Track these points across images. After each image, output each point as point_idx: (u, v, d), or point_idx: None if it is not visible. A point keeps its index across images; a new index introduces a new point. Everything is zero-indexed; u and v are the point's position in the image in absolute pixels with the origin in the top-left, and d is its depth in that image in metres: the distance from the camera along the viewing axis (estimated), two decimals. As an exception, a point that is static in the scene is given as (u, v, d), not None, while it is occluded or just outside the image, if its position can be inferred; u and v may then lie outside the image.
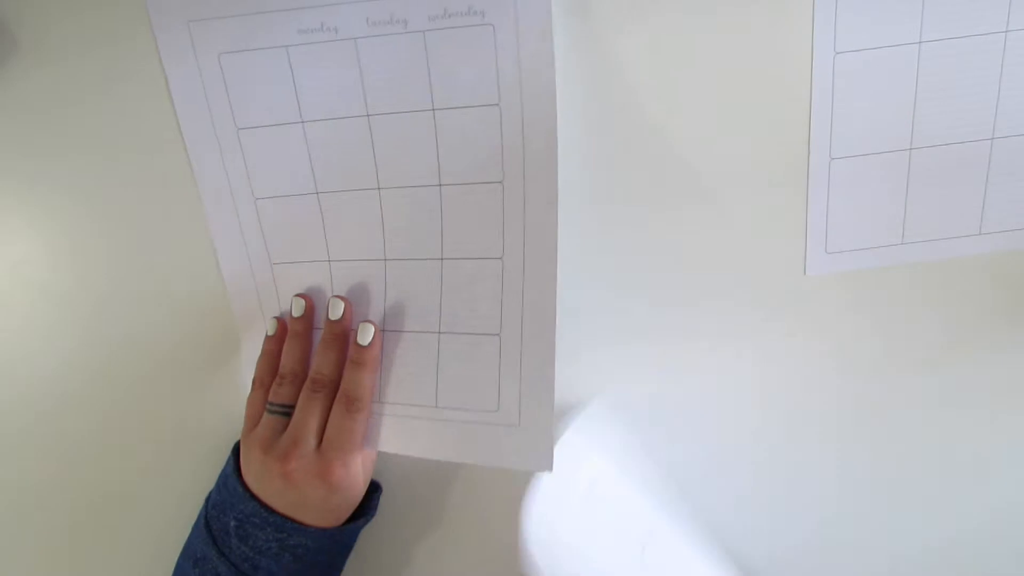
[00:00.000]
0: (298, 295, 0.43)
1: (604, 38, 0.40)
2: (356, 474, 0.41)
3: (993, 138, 0.41)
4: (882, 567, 0.49)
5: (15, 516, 0.48)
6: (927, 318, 0.44)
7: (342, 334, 0.42)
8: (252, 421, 0.43)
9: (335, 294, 0.43)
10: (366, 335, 0.41)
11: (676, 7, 0.39)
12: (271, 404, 0.42)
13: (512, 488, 0.47)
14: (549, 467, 0.40)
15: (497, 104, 0.39)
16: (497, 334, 0.41)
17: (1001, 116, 0.41)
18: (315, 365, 0.42)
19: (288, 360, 0.42)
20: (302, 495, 0.40)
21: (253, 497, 0.40)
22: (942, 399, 0.46)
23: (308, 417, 0.40)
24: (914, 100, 0.41)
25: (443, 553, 0.48)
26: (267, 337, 0.44)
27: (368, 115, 0.40)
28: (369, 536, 0.45)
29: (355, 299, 0.43)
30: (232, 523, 0.40)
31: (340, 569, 0.44)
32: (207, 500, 0.43)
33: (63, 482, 0.48)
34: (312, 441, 0.40)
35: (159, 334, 0.45)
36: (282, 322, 0.44)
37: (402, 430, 0.43)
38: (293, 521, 0.40)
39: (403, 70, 0.39)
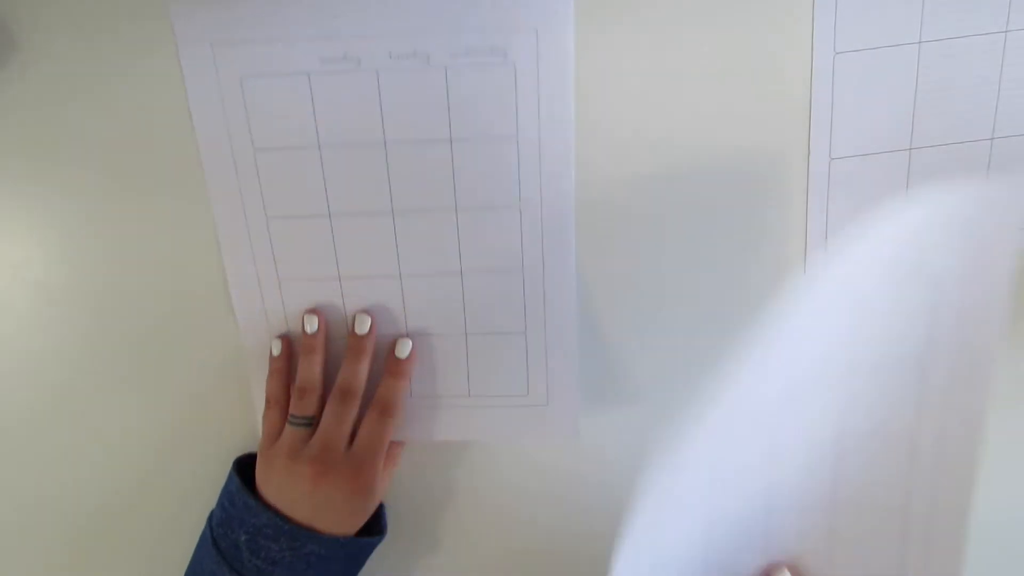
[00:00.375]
0: (309, 311, 0.44)
1: (602, 41, 0.40)
2: (382, 479, 0.43)
3: (993, 138, 0.41)
4: (883, 566, 0.49)
5: (14, 516, 0.49)
6: (927, 317, 0.44)
7: (369, 347, 0.43)
8: (270, 437, 0.43)
9: (361, 309, 0.44)
10: (404, 349, 0.43)
11: (676, 8, 0.39)
12: (294, 416, 0.43)
13: (512, 503, 0.47)
14: (575, 435, 0.45)
15: (515, 136, 0.41)
16: (523, 332, 0.44)
17: (1001, 116, 0.41)
18: (343, 376, 0.43)
19: (307, 374, 0.43)
20: (328, 499, 0.41)
21: (268, 508, 0.41)
22: (942, 399, 0.46)
23: (339, 424, 0.42)
24: (914, 100, 0.41)
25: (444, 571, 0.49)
26: (273, 357, 0.44)
27: (385, 142, 0.41)
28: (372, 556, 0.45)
29: (375, 312, 0.44)
30: (243, 537, 0.41)
31: None
32: (209, 519, 0.44)
33: (62, 483, 0.48)
34: (343, 446, 0.42)
35: (161, 336, 0.45)
36: (286, 340, 0.45)
37: (435, 418, 0.46)
38: (308, 529, 0.40)
39: (423, 102, 0.40)
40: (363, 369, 0.43)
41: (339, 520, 0.41)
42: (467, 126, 0.41)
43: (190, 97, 0.41)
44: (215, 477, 0.46)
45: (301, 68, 0.40)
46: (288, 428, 0.43)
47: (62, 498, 0.48)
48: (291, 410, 0.43)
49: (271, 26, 0.39)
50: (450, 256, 0.43)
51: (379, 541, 0.44)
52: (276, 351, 0.44)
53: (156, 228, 0.43)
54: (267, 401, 0.44)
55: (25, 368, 0.46)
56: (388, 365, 0.44)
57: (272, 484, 0.42)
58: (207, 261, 0.44)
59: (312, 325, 0.43)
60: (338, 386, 0.43)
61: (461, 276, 0.43)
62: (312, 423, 0.43)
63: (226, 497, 0.43)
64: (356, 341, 0.43)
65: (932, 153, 0.42)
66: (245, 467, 0.44)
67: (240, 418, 0.46)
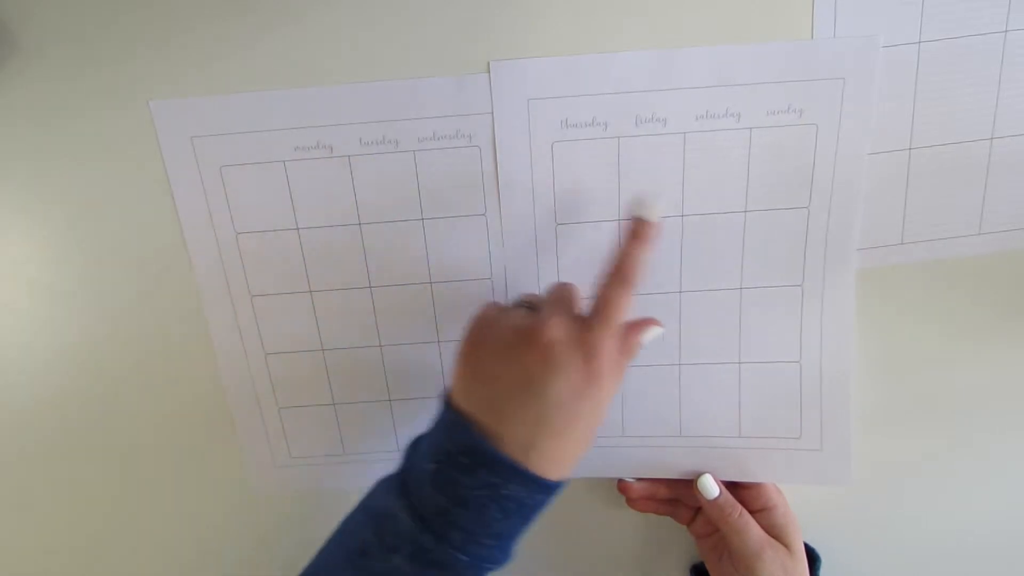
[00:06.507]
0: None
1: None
2: (621, 368, 0.35)
3: (993, 138, 0.41)
4: (882, 568, 0.49)
5: (13, 514, 0.49)
6: (927, 318, 0.44)
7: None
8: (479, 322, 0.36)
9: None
10: (653, 211, 0.36)
11: (675, 9, 0.39)
12: (517, 302, 0.38)
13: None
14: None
15: (483, 214, 0.42)
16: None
17: (1001, 116, 0.41)
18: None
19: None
20: (557, 383, 0.32)
21: (466, 422, 0.33)
22: (941, 399, 0.46)
23: (567, 294, 0.37)
24: (914, 100, 0.41)
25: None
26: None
27: (360, 224, 0.42)
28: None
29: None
30: (430, 466, 0.33)
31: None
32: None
33: (63, 480, 0.48)
34: (574, 313, 0.35)
35: (159, 334, 0.45)
36: None
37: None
38: (515, 464, 0.32)
39: (394, 185, 0.42)
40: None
41: (560, 431, 0.32)
42: (437, 205, 0.42)
43: (172, 186, 0.42)
44: (216, 461, 0.47)
45: (276, 156, 0.41)
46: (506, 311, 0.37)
47: (63, 483, 0.48)
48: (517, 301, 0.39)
49: (247, 119, 0.41)
50: (427, 324, 0.44)
51: (560, 489, 0.34)
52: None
53: (155, 220, 0.43)
54: None
55: (24, 367, 0.46)
56: (633, 227, 0.36)
57: (469, 370, 0.34)
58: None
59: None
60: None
61: (438, 345, 0.45)
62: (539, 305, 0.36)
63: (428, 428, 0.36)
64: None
65: (932, 153, 0.41)
66: None
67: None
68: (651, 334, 0.38)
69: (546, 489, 0.33)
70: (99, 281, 0.44)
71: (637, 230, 0.36)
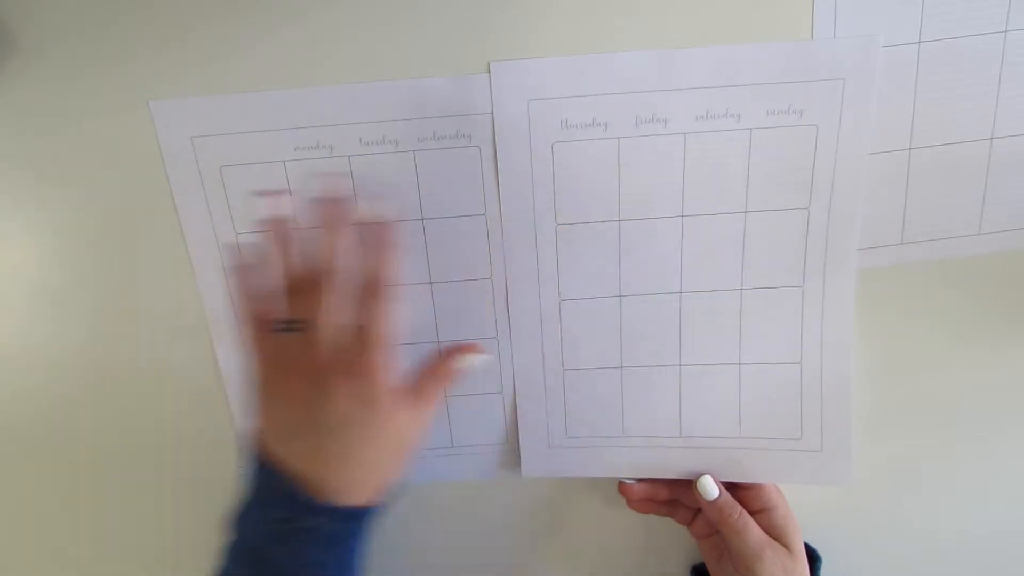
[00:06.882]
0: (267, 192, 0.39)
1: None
2: (407, 388, 0.35)
3: (993, 138, 0.41)
4: (882, 568, 0.49)
5: (13, 514, 0.49)
6: (927, 318, 0.44)
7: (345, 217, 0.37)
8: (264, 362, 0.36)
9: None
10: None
11: (675, 9, 0.39)
12: (280, 323, 0.36)
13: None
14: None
15: (483, 214, 0.42)
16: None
17: (1001, 116, 0.41)
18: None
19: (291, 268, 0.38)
20: (326, 412, 0.32)
21: (256, 457, 0.33)
22: (941, 399, 0.46)
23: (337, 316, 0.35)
24: (914, 100, 0.41)
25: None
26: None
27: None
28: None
29: None
30: (240, 504, 0.34)
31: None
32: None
33: (61, 481, 0.48)
34: (339, 328, 0.34)
35: (158, 334, 0.45)
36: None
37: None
38: (301, 495, 0.31)
39: (394, 184, 0.42)
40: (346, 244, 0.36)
41: (352, 462, 0.32)
42: (437, 205, 0.42)
43: (172, 186, 0.42)
44: (215, 460, 0.47)
45: (276, 156, 0.41)
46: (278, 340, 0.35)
47: (61, 485, 0.48)
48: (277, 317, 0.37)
49: (247, 119, 0.41)
50: (426, 324, 0.44)
51: (374, 514, 0.34)
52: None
53: (155, 220, 0.43)
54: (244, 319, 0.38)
55: (24, 361, 0.46)
56: (371, 236, 0.37)
57: (264, 413, 0.33)
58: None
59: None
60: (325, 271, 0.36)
61: (438, 346, 0.44)
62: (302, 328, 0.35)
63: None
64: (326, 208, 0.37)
65: (932, 153, 0.41)
66: None
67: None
68: (469, 361, 0.39)
69: (353, 516, 0.32)
70: (99, 281, 0.44)
71: (377, 238, 0.36)
